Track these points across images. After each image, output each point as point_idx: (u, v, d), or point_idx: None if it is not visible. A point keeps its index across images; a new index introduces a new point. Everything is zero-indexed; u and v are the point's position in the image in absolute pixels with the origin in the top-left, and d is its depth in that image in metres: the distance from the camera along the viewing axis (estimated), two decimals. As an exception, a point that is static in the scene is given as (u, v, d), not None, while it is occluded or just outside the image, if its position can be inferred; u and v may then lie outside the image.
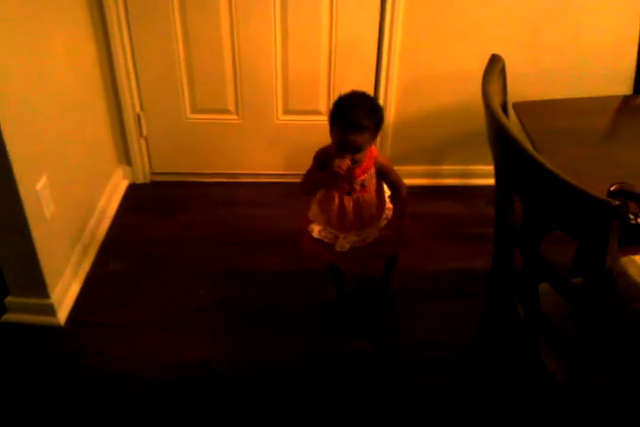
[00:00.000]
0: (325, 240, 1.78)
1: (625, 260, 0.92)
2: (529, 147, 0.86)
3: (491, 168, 1.23)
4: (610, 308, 0.85)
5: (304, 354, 1.83)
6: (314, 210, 1.80)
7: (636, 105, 1.54)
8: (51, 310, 1.90)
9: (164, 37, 2.30)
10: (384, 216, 1.78)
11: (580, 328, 0.92)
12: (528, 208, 0.94)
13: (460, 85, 2.27)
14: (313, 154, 2.54)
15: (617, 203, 0.76)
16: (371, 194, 1.71)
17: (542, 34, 2.30)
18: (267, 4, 2.24)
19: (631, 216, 0.98)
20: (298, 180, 2.58)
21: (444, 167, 2.62)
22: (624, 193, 1.00)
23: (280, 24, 2.28)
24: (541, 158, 0.83)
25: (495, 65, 1.07)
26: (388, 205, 1.78)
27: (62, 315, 1.93)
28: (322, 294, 2.00)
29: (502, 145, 0.96)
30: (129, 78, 2.38)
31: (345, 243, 1.75)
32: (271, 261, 2.18)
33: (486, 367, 1.71)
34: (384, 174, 1.70)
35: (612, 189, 1.02)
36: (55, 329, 1.90)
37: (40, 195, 1.80)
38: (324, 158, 1.66)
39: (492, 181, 1.29)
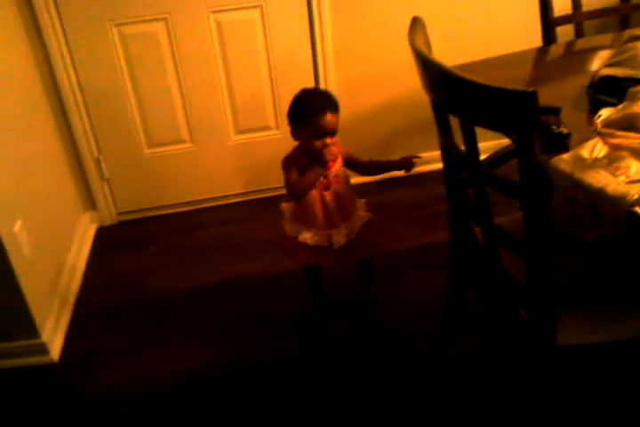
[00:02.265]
0: (320, 244, 1.78)
1: (554, 160, 1.03)
2: (455, 70, 0.99)
3: (436, 153, 1.32)
4: (548, 198, 0.96)
5: (296, 347, 1.90)
6: (290, 227, 1.83)
7: (547, 54, 1.77)
8: (44, 349, 1.93)
9: (112, 79, 2.42)
10: (359, 206, 1.84)
11: (529, 223, 1.03)
12: (465, 123, 1.06)
13: (394, 80, 2.42)
14: (269, 169, 2.66)
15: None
16: (344, 184, 1.78)
17: (456, 22, 2.50)
18: (204, 33, 2.39)
19: (554, 127, 1.11)
20: (260, 195, 2.72)
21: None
22: (545, 109, 1.13)
23: (219, 49, 2.43)
24: (466, 75, 0.95)
25: (417, 23, 1.20)
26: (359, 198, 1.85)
27: (55, 352, 1.96)
28: (305, 298, 2.04)
29: (433, 76, 1.08)
30: (83, 124, 2.47)
31: (340, 237, 1.77)
32: (251, 269, 2.25)
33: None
34: (353, 159, 1.80)
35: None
36: (51, 366, 1.92)
37: (18, 237, 1.86)
38: (294, 164, 1.72)
39: (439, 166, 1.39)
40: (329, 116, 1.61)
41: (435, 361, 1.75)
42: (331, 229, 1.77)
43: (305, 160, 1.69)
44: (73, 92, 2.40)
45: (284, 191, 2.71)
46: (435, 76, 1.09)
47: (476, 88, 0.96)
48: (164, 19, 2.35)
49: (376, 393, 1.71)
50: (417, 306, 1.99)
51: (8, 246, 1.78)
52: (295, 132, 1.70)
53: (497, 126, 0.98)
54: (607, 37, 1.66)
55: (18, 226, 1.87)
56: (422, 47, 1.11)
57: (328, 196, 1.74)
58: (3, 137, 1.92)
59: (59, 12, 2.26)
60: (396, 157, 1.83)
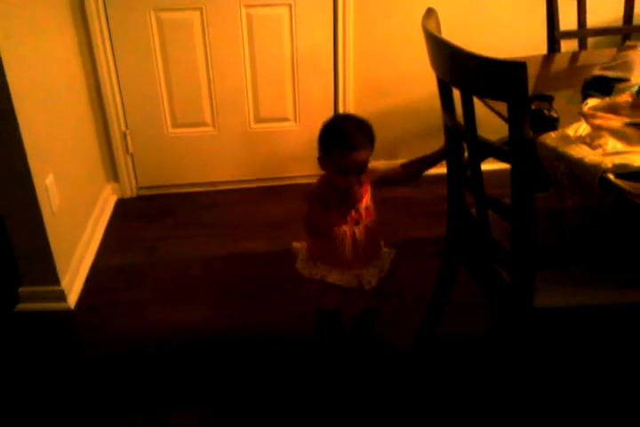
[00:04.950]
0: (350, 286, 1.61)
1: (542, 136, 1.20)
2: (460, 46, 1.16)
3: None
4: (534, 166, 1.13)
5: (295, 317, 2.01)
6: (312, 268, 1.64)
7: (553, 60, 2.00)
8: (62, 296, 2.08)
9: (146, 61, 2.60)
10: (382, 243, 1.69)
11: (515, 185, 1.19)
12: (464, 94, 1.22)
13: (411, 84, 2.58)
14: (283, 158, 2.84)
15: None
16: (374, 216, 1.60)
17: (473, 33, 2.66)
18: (235, 25, 2.57)
19: (545, 111, 1.28)
20: (272, 183, 2.89)
21: (402, 161, 2.91)
22: (539, 96, 1.30)
23: (247, 41, 2.61)
24: (470, 51, 1.12)
25: (431, 13, 1.38)
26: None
27: (72, 300, 2.11)
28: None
29: (439, 50, 1.25)
30: (114, 100, 2.65)
31: (370, 277, 1.61)
32: (260, 245, 2.41)
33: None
34: (384, 177, 1.59)
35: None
36: (67, 313, 2.07)
37: (49, 189, 2.02)
38: (320, 200, 1.53)
39: (443, 170, 1.57)
40: (357, 154, 1.43)
41: (425, 336, 1.90)
42: (360, 269, 1.61)
43: (331, 194, 1.50)
44: (108, 68, 2.57)
45: (292, 181, 2.90)
46: (440, 50, 1.26)
47: (475, 60, 1.12)
48: (200, 8, 2.53)
49: (365, 366, 1.85)
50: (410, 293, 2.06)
51: (40, 196, 1.94)
52: (321, 161, 1.51)
53: (491, 95, 1.15)
54: (609, 51, 1.84)
55: (50, 179, 2.03)
56: (433, 28, 1.28)
57: (359, 231, 1.56)
58: (43, 102, 2.08)
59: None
60: (400, 159, 1.61)
